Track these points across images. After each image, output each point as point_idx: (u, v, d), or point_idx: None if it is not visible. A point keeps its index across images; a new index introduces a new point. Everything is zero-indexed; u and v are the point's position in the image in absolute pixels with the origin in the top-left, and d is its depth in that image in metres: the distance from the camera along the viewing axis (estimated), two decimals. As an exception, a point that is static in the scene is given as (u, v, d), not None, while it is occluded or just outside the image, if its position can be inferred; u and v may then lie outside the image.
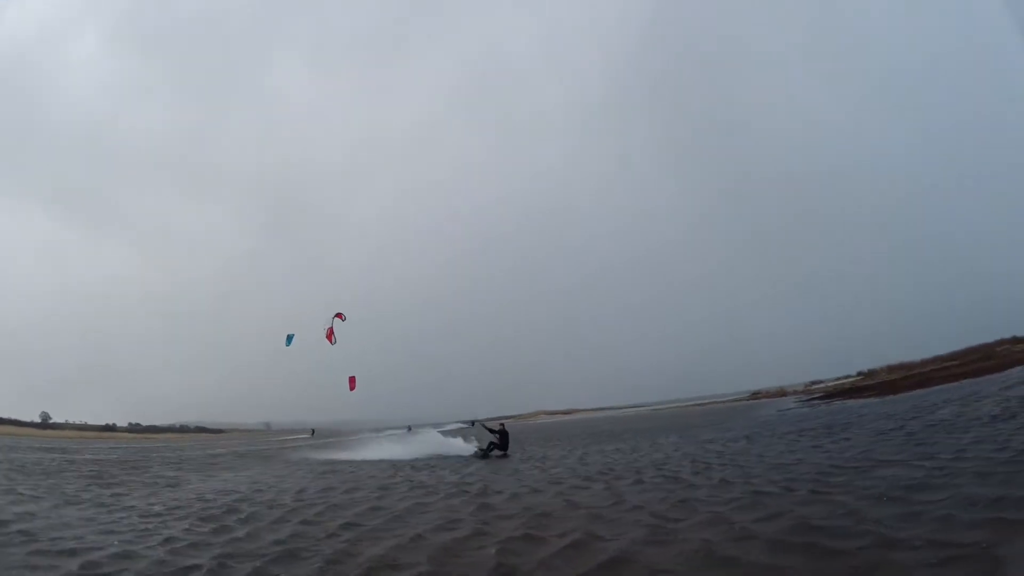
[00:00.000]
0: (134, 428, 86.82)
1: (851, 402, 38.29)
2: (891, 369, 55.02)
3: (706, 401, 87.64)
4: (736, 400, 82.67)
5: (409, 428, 66.44)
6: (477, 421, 23.89)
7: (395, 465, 20.12)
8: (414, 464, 20.38)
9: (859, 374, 61.70)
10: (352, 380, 24.34)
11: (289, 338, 25.20)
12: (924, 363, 50.65)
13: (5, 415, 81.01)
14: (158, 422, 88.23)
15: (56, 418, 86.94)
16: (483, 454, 21.34)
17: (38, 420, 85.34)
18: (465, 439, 24.99)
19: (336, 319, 23.06)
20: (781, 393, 73.70)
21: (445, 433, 31.94)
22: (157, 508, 11.19)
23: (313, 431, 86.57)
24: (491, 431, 22.01)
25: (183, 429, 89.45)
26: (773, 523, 7.27)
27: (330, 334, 23.23)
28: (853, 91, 75.85)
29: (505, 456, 20.99)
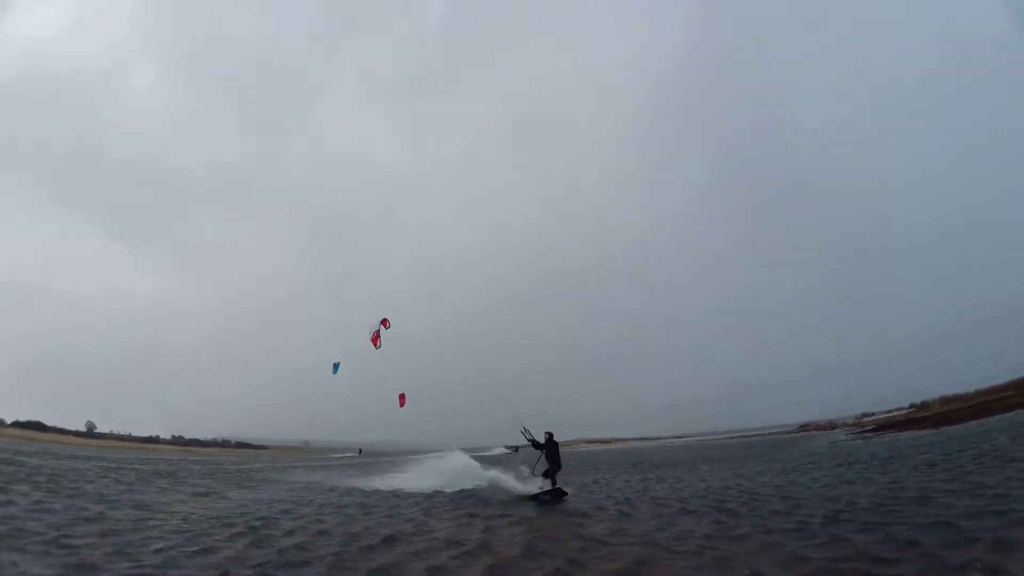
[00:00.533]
0: (177, 441, 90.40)
1: (904, 434, 37.56)
2: (944, 401, 53.30)
3: (753, 433, 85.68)
4: (784, 432, 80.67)
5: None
6: (524, 429, 18.16)
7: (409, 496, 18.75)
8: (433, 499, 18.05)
9: (912, 406, 59.81)
10: (402, 397, 25.11)
11: (335, 366, 26.35)
12: (979, 394, 49.38)
13: (51, 423, 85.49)
14: (200, 436, 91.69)
15: (101, 428, 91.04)
16: (542, 498, 16.78)
17: (83, 429, 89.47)
18: (509, 470, 20.74)
19: (381, 326, 23.61)
20: (831, 426, 71.63)
21: (486, 459, 30.37)
22: (195, 515, 12.23)
23: (360, 450, 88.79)
24: (538, 446, 18.06)
25: (224, 444, 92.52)
26: (763, 555, 7.66)
27: (376, 338, 23.60)
28: (899, 123, 74.14)
29: (559, 495, 16.94)
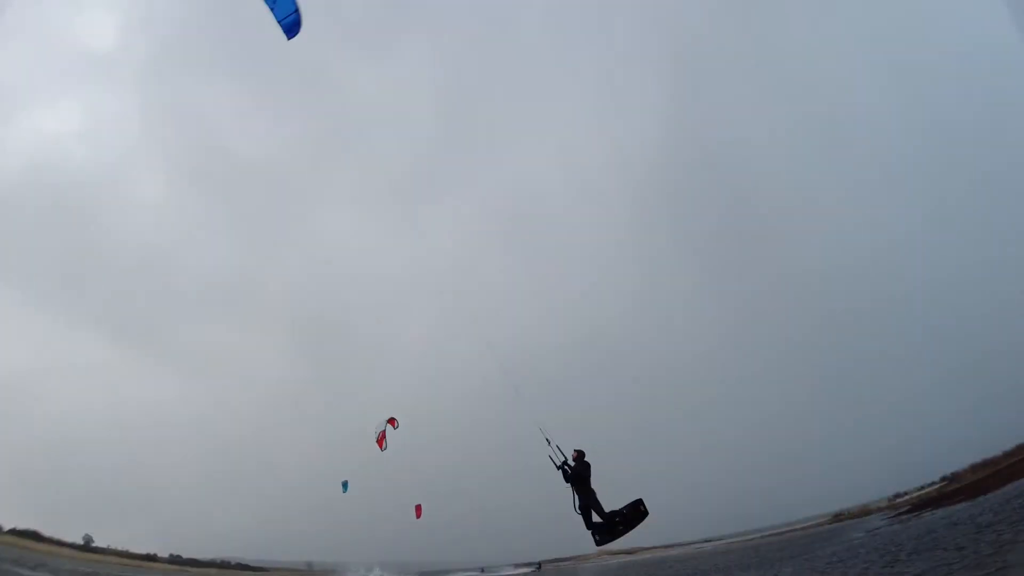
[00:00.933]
0: (175, 560, 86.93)
1: (939, 512, 37.71)
2: (975, 469, 51.72)
3: (787, 529, 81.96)
4: (819, 524, 77.34)
5: (482, 571, 65.57)
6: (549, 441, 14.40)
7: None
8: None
9: (943, 479, 57.74)
10: (419, 508, 24.37)
11: (345, 485, 26.00)
12: (1007, 455, 48.19)
13: (48, 533, 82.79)
14: (199, 555, 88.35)
15: (98, 541, 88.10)
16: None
17: (80, 542, 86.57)
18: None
19: (389, 425, 23.10)
20: (865, 512, 68.71)
21: None
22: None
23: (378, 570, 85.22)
24: (567, 475, 14.51)
25: (224, 564, 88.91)
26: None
27: (381, 439, 23.05)
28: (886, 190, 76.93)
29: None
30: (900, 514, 49.11)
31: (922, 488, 62.97)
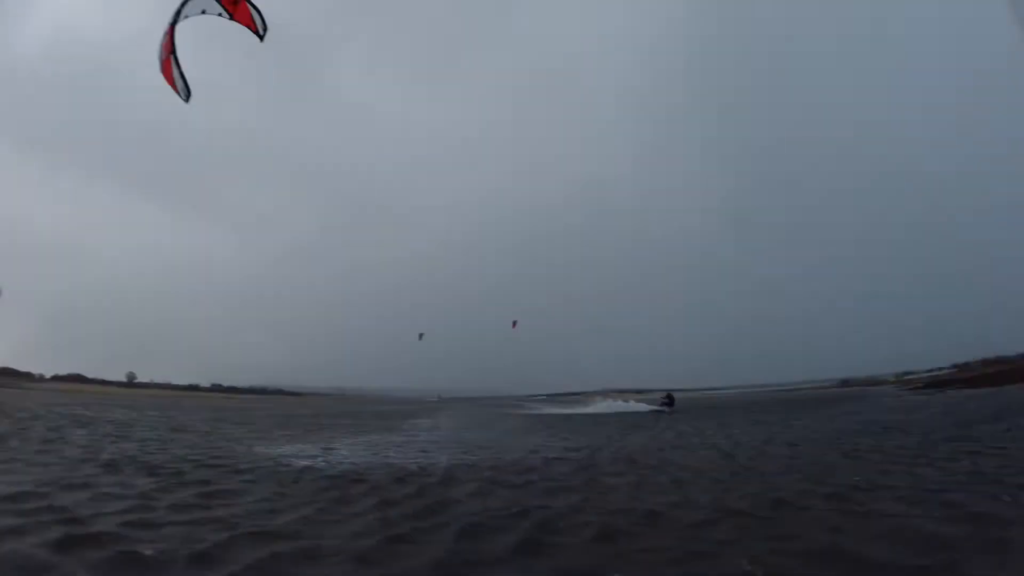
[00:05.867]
0: (216, 388, 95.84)
1: (965, 391, 40.00)
2: (986, 363, 54.53)
3: (792, 387, 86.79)
4: (825, 387, 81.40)
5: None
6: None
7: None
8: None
9: (954, 367, 61.12)
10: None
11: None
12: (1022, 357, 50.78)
13: (92, 375, 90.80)
14: (238, 383, 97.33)
15: (141, 378, 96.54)
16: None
17: (124, 379, 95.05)
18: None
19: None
20: (872, 382, 72.37)
21: None
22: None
23: (439, 396, 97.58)
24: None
25: (262, 391, 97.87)
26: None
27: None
28: (900, 90, 74.00)
29: None
30: (915, 388, 51.08)
31: (931, 371, 65.97)
